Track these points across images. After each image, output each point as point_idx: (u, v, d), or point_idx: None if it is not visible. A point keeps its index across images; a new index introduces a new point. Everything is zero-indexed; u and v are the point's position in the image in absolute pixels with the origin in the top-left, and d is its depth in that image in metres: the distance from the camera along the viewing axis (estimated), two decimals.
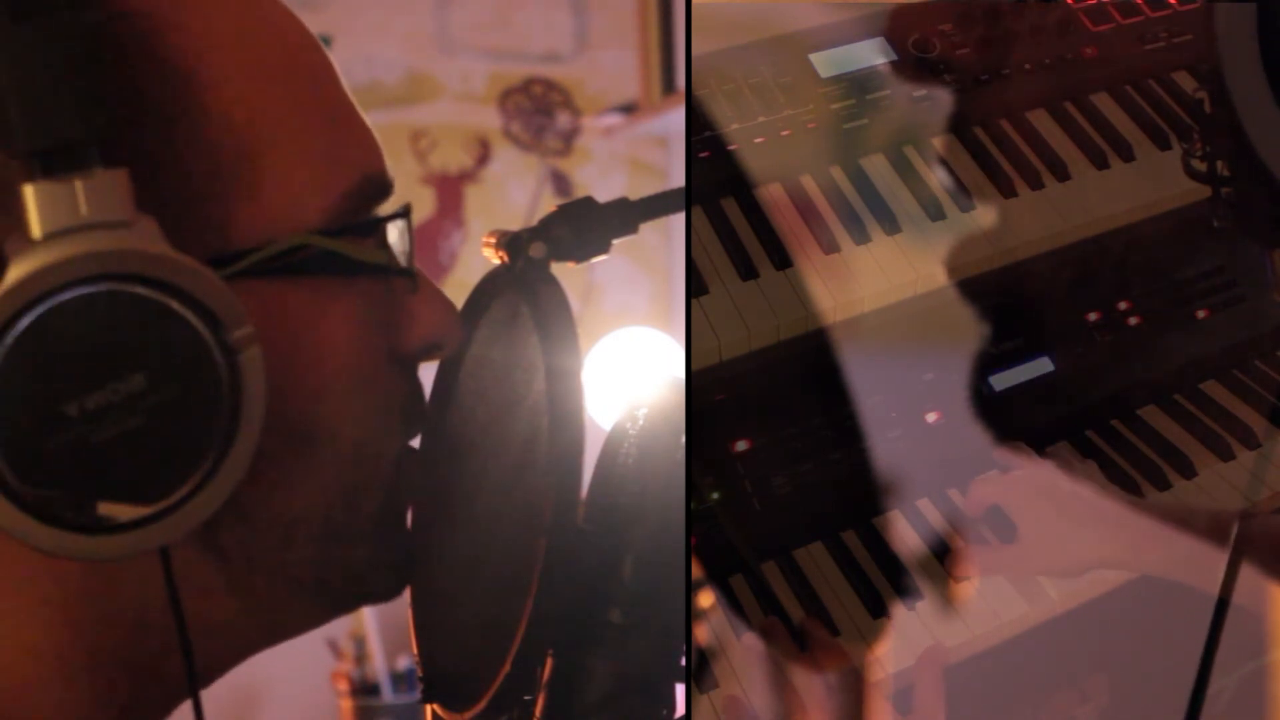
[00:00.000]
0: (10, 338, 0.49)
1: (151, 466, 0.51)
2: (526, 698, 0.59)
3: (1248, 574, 0.83)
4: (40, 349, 0.49)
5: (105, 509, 0.51)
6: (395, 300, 0.63)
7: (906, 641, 1.03)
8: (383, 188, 0.62)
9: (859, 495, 1.14)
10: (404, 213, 0.62)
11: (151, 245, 0.50)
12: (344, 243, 0.59)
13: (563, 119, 2.64)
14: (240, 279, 0.55)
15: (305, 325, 0.59)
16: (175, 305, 0.50)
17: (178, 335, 0.51)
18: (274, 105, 0.58)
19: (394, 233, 0.62)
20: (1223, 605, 0.66)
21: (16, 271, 0.49)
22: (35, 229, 0.49)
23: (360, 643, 2.29)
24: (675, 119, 2.46)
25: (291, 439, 0.58)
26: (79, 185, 0.49)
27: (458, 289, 0.64)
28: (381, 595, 0.64)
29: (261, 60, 0.59)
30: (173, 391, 0.51)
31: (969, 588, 1.06)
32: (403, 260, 0.62)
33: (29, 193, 0.49)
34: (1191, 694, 0.65)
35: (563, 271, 0.62)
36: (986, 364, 1.21)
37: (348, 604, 0.64)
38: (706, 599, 0.90)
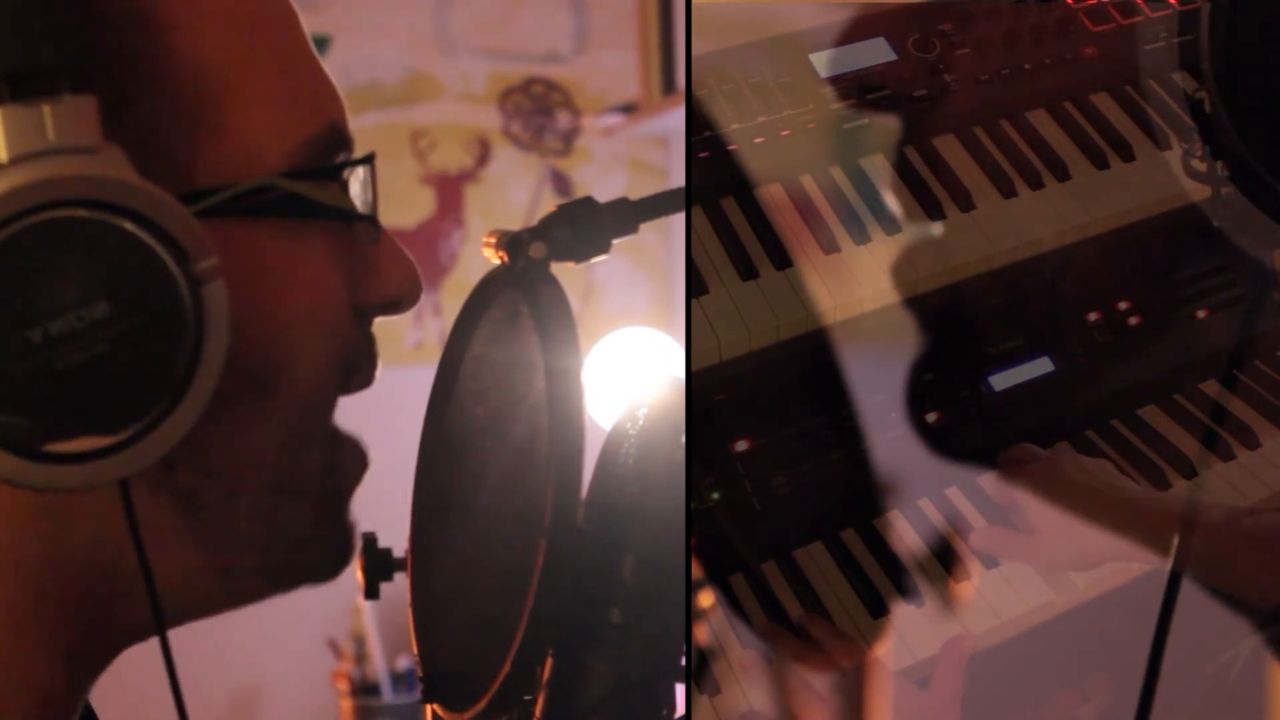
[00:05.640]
0: None
1: (114, 395, 0.51)
2: (526, 698, 0.59)
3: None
4: (5, 273, 0.49)
5: (66, 437, 0.50)
6: (359, 252, 0.64)
7: (906, 641, 1.03)
8: (344, 139, 0.63)
9: (859, 495, 1.14)
10: (367, 159, 0.63)
11: (119, 172, 0.51)
12: (308, 185, 0.60)
13: (563, 119, 2.64)
14: (205, 218, 0.55)
15: (268, 267, 0.60)
16: (142, 234, 0.50)
17: (143, 264, 0.51)
18: (239, 49, 0.60)
19: (357, 183, 0.63)
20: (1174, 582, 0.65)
21: None
22: (1, 152, 0.49)
23: (360, 643, 2.29)
24: (675, 119, 2.46)
25: (249, 381, 0.59)
26: (47, 110, 0.49)
27: (458, 289, 0.64)
28: (320, 573, 0.65)
29: (226, 4, 0.60)
30: (137, 320, 0.51)
31: (969, 588, 1.06)
32: (364, 209, 0.63)
33: None
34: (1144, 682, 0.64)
35: (563, 271, 0.62)
36: (986, 364, 1.21)
37: (289, 576, 0.64)
38: (706, 599, 0.90)
